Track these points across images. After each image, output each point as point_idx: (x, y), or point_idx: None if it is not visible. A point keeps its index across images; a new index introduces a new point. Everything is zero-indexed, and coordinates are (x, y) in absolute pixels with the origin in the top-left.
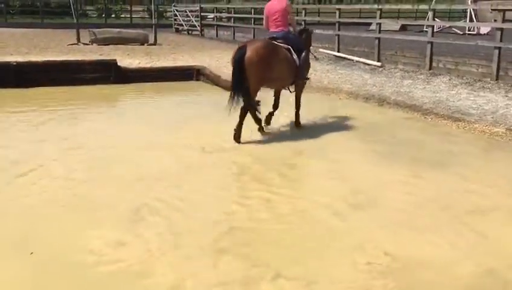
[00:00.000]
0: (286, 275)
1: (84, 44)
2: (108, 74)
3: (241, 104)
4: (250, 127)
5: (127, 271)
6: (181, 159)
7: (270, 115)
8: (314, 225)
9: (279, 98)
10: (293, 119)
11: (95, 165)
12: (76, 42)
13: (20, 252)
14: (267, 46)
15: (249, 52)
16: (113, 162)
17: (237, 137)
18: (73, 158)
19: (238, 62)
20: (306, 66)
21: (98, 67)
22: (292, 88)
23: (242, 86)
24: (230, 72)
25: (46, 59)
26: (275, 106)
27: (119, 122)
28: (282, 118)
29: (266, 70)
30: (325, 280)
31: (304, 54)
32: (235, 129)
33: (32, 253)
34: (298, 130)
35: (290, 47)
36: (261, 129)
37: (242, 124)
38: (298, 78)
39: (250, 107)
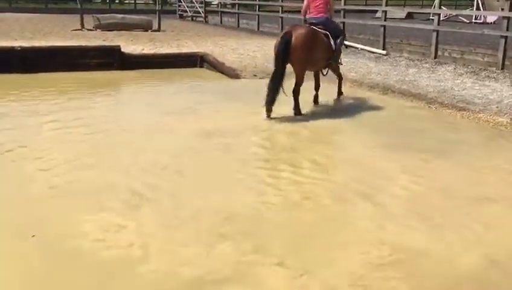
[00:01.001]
0: (284, 263)
1: (88, 30)
2: (112, 60)
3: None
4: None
5: (124, 257)
6: (188, 144)
7: (316, 96)
8: (318, 213)
9: (319, 78)
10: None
11: (99, 150)
12: (80, 28)
13: (19, 237)
14: (309, 33)
15: (294, 38)
16: (118, 146)
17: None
18: (78, 143)
19: (285, 47)
20: (339, 51)
21: (102, 53)
22: (325, 71)
23: (284, 69)
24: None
25: (50, 44)
26: (317, 87)
27: (123, 108)
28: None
29: (308, 55)
30: (323, 270)
31: (339, 39)
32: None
33: (34, 235)
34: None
35: (328, 33)
36: (298, 112)
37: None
38: (333, 62)
39: (296, 90)
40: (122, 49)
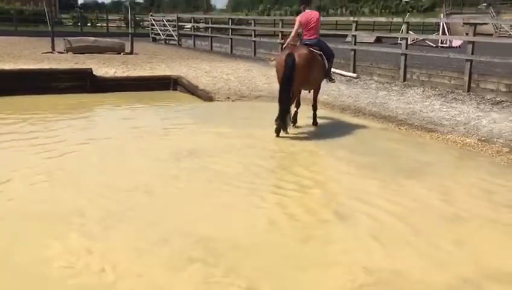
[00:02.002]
0: (254, 288)
1: (59, 52)
2: (83, 83)
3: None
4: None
5: (92, 284)
6: (161, 166)
7: (296, 113)
8: (293, 235)
9: (300, 97)
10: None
11: (69, 172)
12: (51, 50)
13: None
14: (310, 53)
15: (297, 58)
16: (87, 169)
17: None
18: (43, 166)
19: (291, 66)
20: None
21: (73, 76)
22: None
23: (291, 87)
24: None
25: (19, 67)
26: (298, 105)
27: (93, 130)
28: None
29: (310, 74)
30: None
31: (331, 59)
32: (284, 122)
33: None
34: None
35: (321, 53)
36: (286, 129)
37: (290, 118)
38: (327, 80)
39: (289, 107)
40: (94, 72)
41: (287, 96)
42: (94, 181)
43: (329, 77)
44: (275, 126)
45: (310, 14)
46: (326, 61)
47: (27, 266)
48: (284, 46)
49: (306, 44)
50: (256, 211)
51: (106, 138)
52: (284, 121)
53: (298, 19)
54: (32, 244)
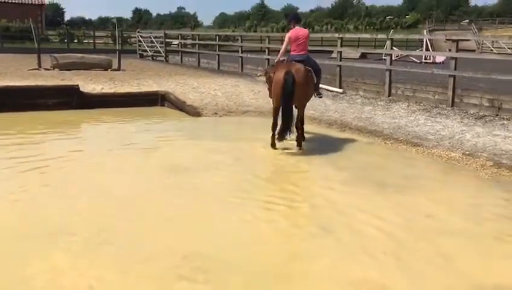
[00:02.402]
0: None
1: (46, 69)
2: (70, 99)
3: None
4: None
5: None
6: (149, 181)
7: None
8: (280, 249)
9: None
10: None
11: (55, 187)
12: (37, 67)
13: None
14: (306, 69)
15: (296, 75)
16: (76, 184)
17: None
18: (32, 180)
19: (292, 83)
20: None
21: (60, 92)
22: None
23: (292, 104)
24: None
25: (5, 84)
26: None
27: (82, 146)
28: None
29: (307, 89)
30: None
31: (319, 75)
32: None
33: None
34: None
35: (311, 68)
36: (274, 144)
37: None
38: (316, 95)
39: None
40: (81, 89)
41: (291, 113)
42: (79, 198)
43: (317, 92)
44: (271, 140)
45: (299, 30)
46: (315, 77)
47: (12, 284)
48: (275, 61)
49: (296, 60)
50: (243, 226)
51: (92, 154)
52: (283, 134)
53: (288, 35)
54: (14, 261)
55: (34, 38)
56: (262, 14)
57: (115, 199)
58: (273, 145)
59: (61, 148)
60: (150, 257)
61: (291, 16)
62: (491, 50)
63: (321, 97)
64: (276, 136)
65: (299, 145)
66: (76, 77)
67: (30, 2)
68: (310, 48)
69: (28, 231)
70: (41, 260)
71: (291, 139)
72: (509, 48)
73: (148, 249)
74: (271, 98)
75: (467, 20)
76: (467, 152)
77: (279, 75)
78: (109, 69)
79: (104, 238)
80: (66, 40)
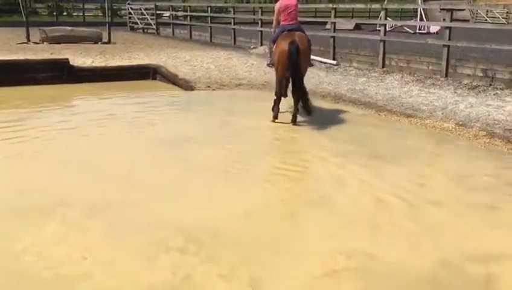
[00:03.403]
0: (233, 276)
1: (35, 43)
2: (60, 73)
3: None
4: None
5: (66, 274)
6: (145, 155)
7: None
8: (273, 224)
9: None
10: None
11: (52, 160)
12: (26, 41)
13: None
14: (307, 37)
15: (300, 44)
16: (72, 159)
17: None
18: (22, 153)
19: (296, 52)
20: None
21: (49, 66)
22: None
23: (299, 72)
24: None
25: None
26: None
27: (75, 120)
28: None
29: (307, 57)
30: (274, 283)
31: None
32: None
33: None
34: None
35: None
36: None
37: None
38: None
39: (304, 90)
40: (71, 62)
41: (302, 81)
42: (72, 171)
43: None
44: (274, 111)
45: (287, 0)
46: None
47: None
48: (273, 32)
49: (288, 29)
50: (237, 199)
51: (84, 127)
52: (307, 105)
53: (277, 6)
54: (4, 236)
55: (22, 11)
56: None
57: (104, 172)
58: (275, 118)
59: (52, 122)
60: (145, 228)
61: None
62: (486, 20)
63: (312, 65)
64: (294, 111)
65: (294, 120)
66: (66, 50)
67: None
68: (303, 20)
69: (20, 203)
70: (37, 233)
71: (285, 111)
72: (503, 18)
73: (140, 221)
74: (277, 70)
75: None
76: (460, 122)
77: (284, 45)
78: (99, 42)
79: (95, 212)
80: (55, 13)
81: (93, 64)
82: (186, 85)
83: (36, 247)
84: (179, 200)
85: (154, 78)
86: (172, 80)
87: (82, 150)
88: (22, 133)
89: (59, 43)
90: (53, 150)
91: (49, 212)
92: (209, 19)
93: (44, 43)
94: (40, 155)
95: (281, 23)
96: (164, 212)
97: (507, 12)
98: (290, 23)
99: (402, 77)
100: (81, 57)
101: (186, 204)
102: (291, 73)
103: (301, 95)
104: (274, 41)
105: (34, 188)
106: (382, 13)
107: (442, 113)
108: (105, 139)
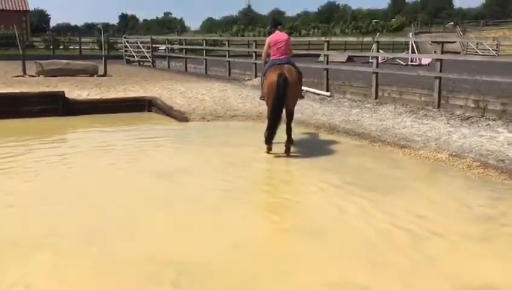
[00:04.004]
0: None
1: (31, 76)
2: (55, 106)
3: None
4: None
5: None
6: (139, 186)
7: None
8: (264, 255)
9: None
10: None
11: (46, 192)
12: (22, 74)
13: None
14: (296, 70)
15: (289, 76)
16: (66, 191)
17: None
18: (21, 186)
19: (284, 84)
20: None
21: (45, 99)
22: None
23: (284, 105)
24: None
25: None
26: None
27: (70, 153)
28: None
29: (296, 89)
30: None
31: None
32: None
33: None
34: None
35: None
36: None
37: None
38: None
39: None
40: (67, 95)
41: (280, 112)
42: (66, 202)
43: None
44: (265, 143)
45: (278, 35)
46: None
47: None
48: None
49: (280, 63)
50: (229, 231)
51: (81, 159)
52: (270, 140)
53: (267, 40)
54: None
55: (19, 44)
56: (249, 18)
57: (98, 204)
58: (269, 149)
59: (47, 154)
60: (133, 262)
61: (270, 21)
62: (476, 52)
63: (303, 98)
64: (265, 139)
65: (287, 151)
66: (61, 83)
67: (14, 8)
68: (297, 52)
69: (10, 238)
70: (23, 265)
71: (278, 142)
72: (493, 50)
73: (130, 254)
74: (267, 102)
75: (452, 23)
76: (454, 153)
77: (273, 76)
78: (95, 75)
79: (86, 243)
80: (51, 47)
81: (89, 97)
82: (180, 116)
83: (25, 278)
84: (170, 233)
85: (149, 110)
86: (167, 111)
87: (74, 181)
88: (14, 164)
89: (55, 76)
90: (47, 184)
91: (41, 242)
92: (204, 51)
93: (41, 76)
94: (34, 187)
95: (271, 57)
96: (154, 246)
97: (497, 44)
98: (280, 58)
99: (395, 108)
100: (76, 90)
101: (178, 237)
102: (274, 102)
103: (273, 124)
104: (265, 75)
105: (24, 221)
106: (374, 46)
107: (436, 144)
108: (96, 171)
